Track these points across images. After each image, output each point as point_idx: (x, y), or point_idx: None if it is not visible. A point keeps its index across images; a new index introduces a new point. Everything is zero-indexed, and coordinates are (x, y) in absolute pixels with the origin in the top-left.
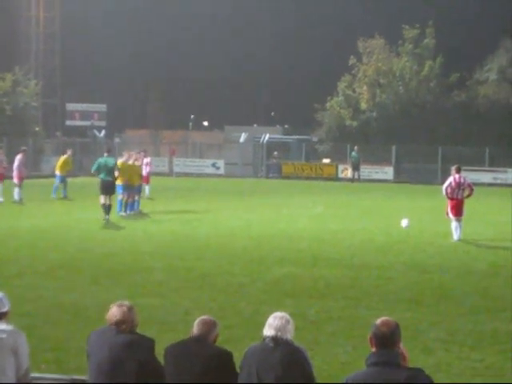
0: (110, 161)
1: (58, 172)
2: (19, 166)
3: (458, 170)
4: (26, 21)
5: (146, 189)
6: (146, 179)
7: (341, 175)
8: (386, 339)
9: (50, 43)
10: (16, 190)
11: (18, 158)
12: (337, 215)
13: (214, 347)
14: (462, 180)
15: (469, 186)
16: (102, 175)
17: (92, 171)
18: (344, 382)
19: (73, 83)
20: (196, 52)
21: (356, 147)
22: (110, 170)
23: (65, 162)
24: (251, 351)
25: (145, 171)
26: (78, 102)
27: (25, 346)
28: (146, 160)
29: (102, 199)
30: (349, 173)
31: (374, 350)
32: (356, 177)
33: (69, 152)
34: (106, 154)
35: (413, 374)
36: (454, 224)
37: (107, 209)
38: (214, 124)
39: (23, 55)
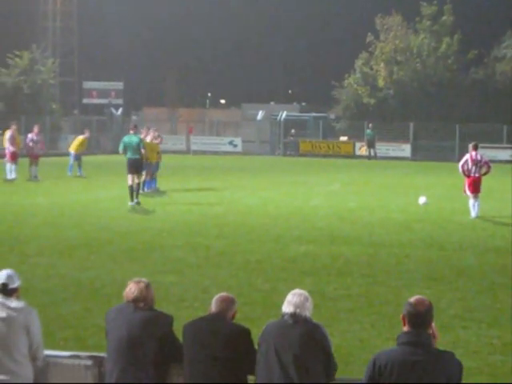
0: (135, 139)
1: (72, 150)
2: (32, 141)
3: (476, 148)
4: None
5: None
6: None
7: (358, 153)
8: (421, 319)
9: (68, 21)
10: (8, 167)
11: (30, 135)
12: (354, 193)
13: (232, 324)
14: (479, 157)
15: (486, 163)
16: (128, 154)
17: (119, 151)
18: (372, 359)
19: (90, 61)
20: (213, 30)
21: (370, 125)
22: (135, 148)
23: (81, 143)
24: (269, 328)
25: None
26: (95, 80)
27: (36, 323)
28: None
29: (130, 180)
30: (364, 150)
31: (406, 328)
32: (372, 154)
33: (86, 133)
34: (131, 132)
35: (444, 356)
36: (471, 201)
37: (136, 190)
38: (231, 102)
39: (40, 33)
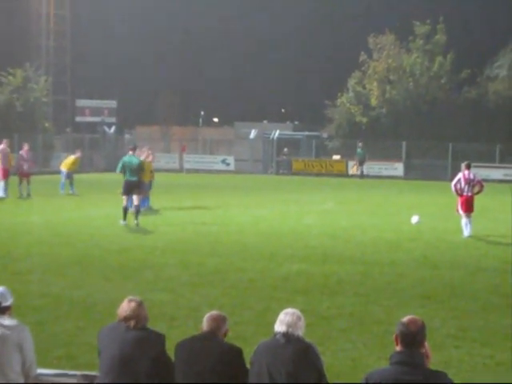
0: (135, 159)
1: (63, 169)
2: (22, 159)
3: (468, 167)
4: (37, 18)
5: None
6: None
7: (350, 172)
8: (413, 338)
9: (61, 40)
10: (1, 185)
11: (21, 153)
12: (347, 212)
13: (223, 343)
14: (472, 176)
15: (479, 182)
16: (126, 175)
17: (117, 172)
18: (364, 378)
19: (83, 80)
20: (206, 48)
21: (360, 144)
22: (134, 170)
23: (73, 162)
24: (262, 347)
25: None
26: (88, 99)
27: (29, 340)
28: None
29: (125, 201)
30: (355, 169)
31: (399, 348)
32: (363, 173)
33: (78, 153)
34: (130, 153)
35: (437, 376)
36: (463, 220)
37: (136, 213)
38: (224, 120)
39: (34, 52)
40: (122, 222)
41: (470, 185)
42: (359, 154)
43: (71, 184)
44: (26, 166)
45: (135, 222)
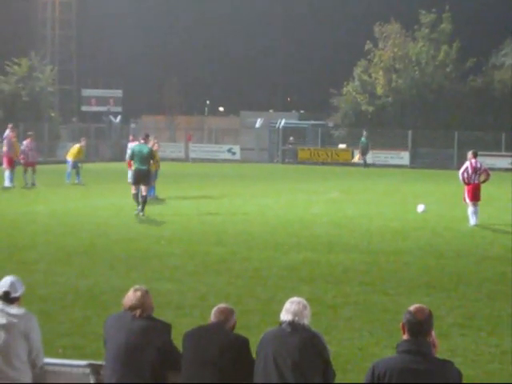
0: (145, 148)
1: (69, 158)
2: (24, 151)
3: (475, 155)
4: (42, 6)
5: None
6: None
7: (354, 161)
8: (420, 327)
9: (66, 29)
10: (7, 174)
11: (25, 143)
12: (353, 201)
13: (231, 334)
14: (479, 165)
15: (485, 171)
16: (135, 164)
17: (126, 159)
18: (371, 366)
19: (89, 69)
20: (212, 37)
21: (365, 132)
22: (144, 158)
23: (78, 151)
24: (268, 336)
25: None
26: (93, 88)
27: (36, 329)
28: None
29: (133, 189)
30: (357, 158)
31: (406, 337)
32: (360, 161)
33: (83, 142)
34: (142, 141)
35: (444, 365)
36: (470, 209)
37: (143, 203)
38: (230, 110)
39: (39, 41)
40: (138, 208)
41: (476, 173)
42: (363, 143)
43: (77, 174)
44: (30, 156)
45: (141, 212)
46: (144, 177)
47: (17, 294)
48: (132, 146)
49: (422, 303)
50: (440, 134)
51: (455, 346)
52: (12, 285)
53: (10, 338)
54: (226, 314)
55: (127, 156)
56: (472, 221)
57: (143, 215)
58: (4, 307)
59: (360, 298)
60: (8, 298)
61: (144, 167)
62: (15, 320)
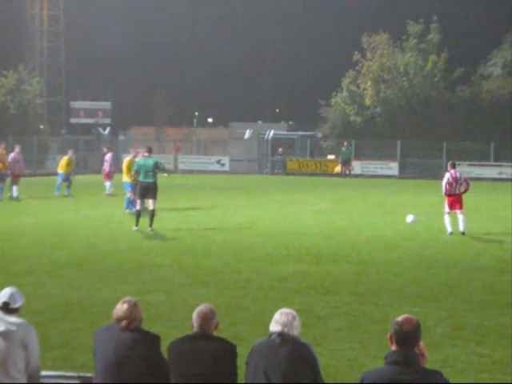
0: (150, 161)
1: (60, 171)
2: (10, 164)
3: (453, 166)
4: (31, 18)
5: (108, 185)
6: (108, 176)
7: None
8: (408, 338)
9: (55, 41)
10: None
11: (12, 155)
12: (342, 211)
13: (216, 342)
14: (459, 175)
15: (465, 181)
16: (140, 177)
17: (132, 173)
18: (360, 377)
19: (77, 81)
20: (200, 49)
21: (346, 143)
22: (150, 171)
23: (67, 163)
24: (257, 347)
25: (107, 168)
26: (82, 100)
27: (35, 340)
28: (108, 156)
29: (139, 204)
30: (339, 168)
31: (394, 347)
32: (347, 172)
33: (70, 153)
34: (145, 154)
35: (432, 375)
36: (447, 218)
37: (151, 214)
38: (219, 121)
39: (28, 53)
40: (134, 227)
41: (457, 183)
42: (343, 154)
43: (68, 186)
44: (17, 168)
45: (150, 228)
46: (151, 190)
47: (16, 305)
48: (109, 157)
49: (411, 314)
50: (429, 144)
51: (445, 357)
52: (12, 296)
53: (8, 346)
54: (209, 318)
55: (132, 171)
56: (449, 229)
57: (152, 230)
58: (3, 316)
59: (350, 308)
60: (7, 308)
61: (150, 180)
62: (14, 328)
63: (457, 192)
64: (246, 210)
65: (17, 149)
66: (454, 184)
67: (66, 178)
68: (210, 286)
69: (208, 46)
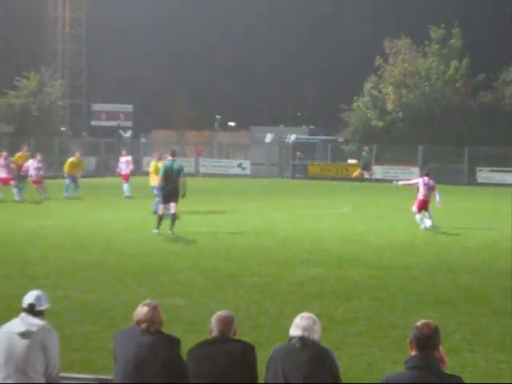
0: (175, 164)
1: (67, 171)
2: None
3: (427, 174)
4: (53, 21)
5: (126, 187)
6: (125, 177)
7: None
8: (427, 342)
9: (77, 44)
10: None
11: (31, 161)
12: (363, 216)
13: (235, 345)
14: (431, 183)
15: (433, 188)
16: (165, 181)
17: (160, 177)
18: (384, 378)
19: (99, 83)
20: (223, 52)
21: (366, 148)
22: (175, 176)
23: (72, 164)
24: (278, 352)
25: (125, 170)
26: (104, 103)
27: (55, 343)
28: (127, 158)
29: (162, 209)
30: (359, 174)
31: (414, 352)
32: (367, 176)
33: (77, 154)
34: (170, 158)
35: (452, 380)
36: (418, 216)
37: (173, 217)
38: (240, 124)
39: (50, 55)
40: (154, 230)
41: (429, 190)
42: (364, 158)
43: (74, 187)
44: (37, 175)
45: (171, 231)
46: (174, 194)
47: (41, 308)
48: (126, 160)
49: (430, 319)
50: (450, 149)
51: (464, 362)
52: (38, 298)
53: (28, 347)
54: (228, 324)
55: (160, 174)
56: (427, 223)
57: (173, 233)
58: (26, 317)
59: (369, 313)
60: (32, 310)
61: (175, 184)
62: (34, 329)
63: (428, 198)
64: (267, 213)
65: (38, 156)
66: (425, 190)
67: (72, 179)
68: (229, 290)
69: (230, 49)
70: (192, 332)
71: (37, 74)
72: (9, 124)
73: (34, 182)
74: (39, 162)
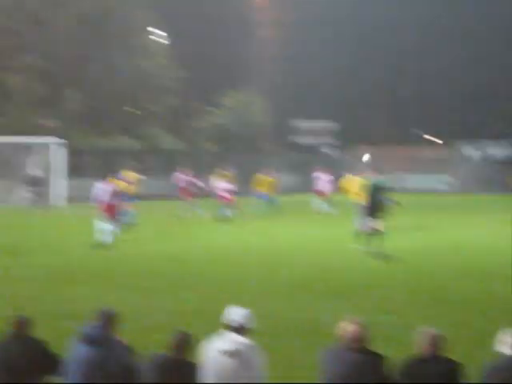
0: (382, 180)
1: (258, 189)
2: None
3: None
4: (257, 41)
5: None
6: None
7: None
8: None
9: (284, 64)
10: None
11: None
12: None
13: (446, 362)
14: None
15: None
16: (372, 197)
17: (368, 195)
18: None
19: (301, 100)
20: (425, 64)
21: None
22: (380, 192)
23: (266, 182)
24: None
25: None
26: (306, 119)
27: (260, 363)
28: (328, 177)
29: (365, 225)
30: None
31: None
32: None
33: (271, 173)
34: (374, 174)
35: None
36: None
37: (376, 235)
38: (444, 138)
39: (254, 74)
40: (358, 246)
41: None
42: None
43: (267, 205)
44: (191, 189)
45: (374, 248)
46: (380, 210)
47: (247, 325)
48: (324, 177)
49: None
50: None
51: None
52: (246, 317)
53: (235, 366)
54: (439, 342)
55: (368, 192)
56: None
57: (378, 250)
58: (232, 335)
59: None
60: (240, 329)
61: (379, 200)
62: (241, 347)
63: None
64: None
65: (190, 173)
66: None
67: (262, 197)
68: (437, 306)
69: (432, 61)
70: (400, 351)
71: (239, 92)
72: (213, 143)
73: (188, 195)
74: (190, 176)
